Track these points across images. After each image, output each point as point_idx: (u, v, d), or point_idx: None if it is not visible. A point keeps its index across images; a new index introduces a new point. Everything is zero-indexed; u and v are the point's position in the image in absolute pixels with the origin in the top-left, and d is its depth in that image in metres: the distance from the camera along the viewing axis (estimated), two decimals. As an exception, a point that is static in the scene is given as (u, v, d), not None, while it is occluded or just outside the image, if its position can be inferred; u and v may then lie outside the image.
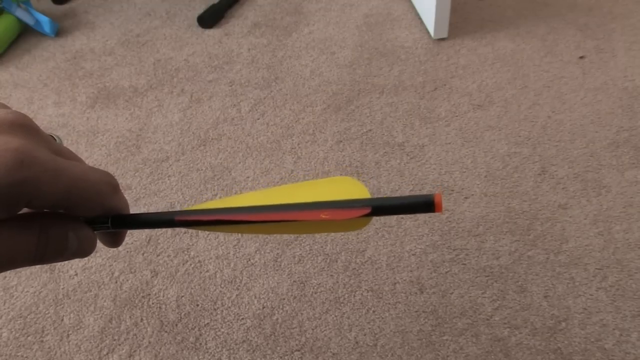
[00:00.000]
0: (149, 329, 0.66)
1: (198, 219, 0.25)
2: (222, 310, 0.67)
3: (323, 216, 0.23)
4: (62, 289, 0.71)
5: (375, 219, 0.74)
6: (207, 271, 0.71)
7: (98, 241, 0.26)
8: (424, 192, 0.77)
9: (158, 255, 0.74)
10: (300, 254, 0.71)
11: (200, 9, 1.28)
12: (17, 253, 0.21)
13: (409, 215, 0.75)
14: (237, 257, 0.72)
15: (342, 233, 0.73)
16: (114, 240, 0.28)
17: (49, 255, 0.22)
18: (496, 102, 0.92)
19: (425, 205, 0.23)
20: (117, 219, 0.25)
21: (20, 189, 0.19)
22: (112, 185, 0.24)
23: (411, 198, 0.23)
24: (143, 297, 0.69)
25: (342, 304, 0.66)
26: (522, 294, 0.64)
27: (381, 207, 0.23)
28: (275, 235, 0.74)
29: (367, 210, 0.23)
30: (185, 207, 0.81)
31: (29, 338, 0.66)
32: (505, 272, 0.67)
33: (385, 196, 0.23)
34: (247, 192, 0.27)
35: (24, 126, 0.21)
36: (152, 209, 0.81)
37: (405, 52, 1.06)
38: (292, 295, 0.67)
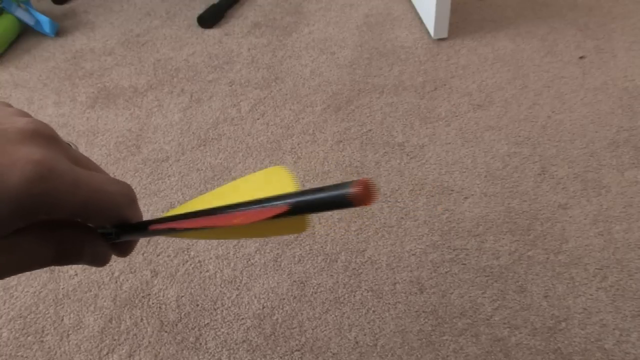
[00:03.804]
0: (149, 329, 0.66)
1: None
2: (222, 310, 0.67)
3: (235, 221, 0.20)
4: (62, 289, 0.71)
5: (375, 219, 0.74)
6: (207, 271, 0.71)
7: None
8: (424, 192, 0.77)
9: (158, 255, 0.74)
10: (300, 254, 0.71)
11: (200, 9, 1.28)
12: (35, 262, 0.22)
13: (407, 215, 0.75)
14: (237, 257, 0.72)
15: (342, 234, 0.73)
16: (122, 250, 0.28)
17: (65, 263, 0.24)
18: (496, 102, 0.92)
19: (342, 200, 0.18)
20: (121, 228, 0.25)
21: (38, 201, 0.20)
22: (129, 198, 0.24)
23: (329, 191, 0.18)
24: (143, 297, 0.69)
25: (342, 304, 0.66)
26: (522, 294, 0.64)
27: (300, 205, 0.19)
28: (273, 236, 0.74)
29: (285, 209, 0.19)
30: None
31: (29, 338, 0.66)
32: (505, 272, 0.66)
33: (308, 188, 0.19)
34: (197, 197, 0.26)
35: (44, 136, 0.21)
36: (152, 209, 0.81)
37: (405, 52, 1.06)
38: (292, 295, 0.67)
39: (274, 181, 0.22)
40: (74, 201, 0.21)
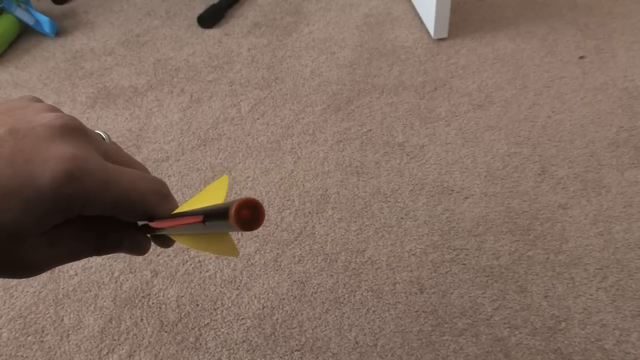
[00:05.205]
0: (149, 329, 0.66)
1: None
2: (222, 310, 0.67)
3: (165, 224, 0.23)
4: (62, 289, 0.71)
5: (375, 219, 0.74)
6: (207, 271, 0.71)
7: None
8: (424, 192, 0.77)
9: (158, 255, 0.74)
10: (300, 254, 0.71)
11: (200, 8, 1.28)
12: (76, 254, 0.23)
13: (407, 215, 0.75)
14: (237, 257, 0.72)
15: (342, 234, 0.73)
16: (163, 241, 0.28)
17: (104, 254, 0.25)
18: (496, 102, 0.92)
19: (224, 214, 0.19)
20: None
21: (70, 200, 0.20)
22: (161, 195, 0.24)
23: (220, 206, 0.20)
24: (143, 297, 0.69)
25: (342, 304, 0.66)
26: (522, 294, 0.64)
27: (206, 216, 0.21)
28: (274, 235, 0.74)
29: (199, 219, 0.21)
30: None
31: (29, 338, 0.66)
32: (505, 272, 0.67)
33: (219, 204, 0.21)
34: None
35: (74, 131, 0.21)
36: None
37: (405, 52, 1.06)
38: (292, 295, 0.67)
39: (213, 192, 0.24)
40: (104, 200, 0.21)
